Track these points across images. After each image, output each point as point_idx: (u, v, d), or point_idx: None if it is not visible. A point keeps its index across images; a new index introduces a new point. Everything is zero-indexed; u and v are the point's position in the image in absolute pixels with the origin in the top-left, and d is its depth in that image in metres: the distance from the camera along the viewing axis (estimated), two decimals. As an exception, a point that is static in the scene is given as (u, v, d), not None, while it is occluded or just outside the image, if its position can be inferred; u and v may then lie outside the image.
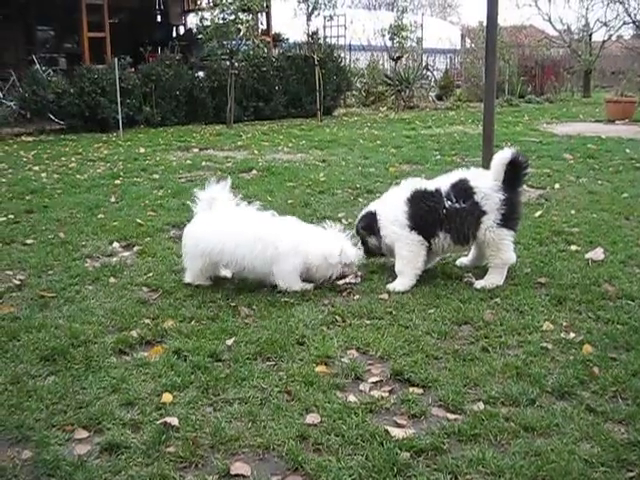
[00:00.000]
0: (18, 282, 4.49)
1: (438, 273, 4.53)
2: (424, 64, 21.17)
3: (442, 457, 2.48)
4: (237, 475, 2.40)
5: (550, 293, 4.09)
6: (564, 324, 3.64)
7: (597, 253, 4.81)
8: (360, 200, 6.58)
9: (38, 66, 13.43)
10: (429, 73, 21.39)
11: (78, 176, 8.37)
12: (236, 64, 14.26)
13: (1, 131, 12.10)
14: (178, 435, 2.63)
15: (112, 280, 4.51)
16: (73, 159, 9.85)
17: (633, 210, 6.10)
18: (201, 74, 14.86)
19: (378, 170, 8.22)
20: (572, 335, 3.49)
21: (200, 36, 14.38)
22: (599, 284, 4.22)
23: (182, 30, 19.56)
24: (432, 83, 21.28)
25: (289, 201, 6.54)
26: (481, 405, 2.83)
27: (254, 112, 15.22)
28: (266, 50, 15.78)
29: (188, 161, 9.39)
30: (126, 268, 4.75)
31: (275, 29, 17.83)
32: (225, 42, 13.90)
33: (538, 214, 5.97)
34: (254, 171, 8.45)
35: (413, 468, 2.40)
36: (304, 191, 7.03)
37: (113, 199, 7.01)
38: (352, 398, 2.89)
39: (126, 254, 5.16)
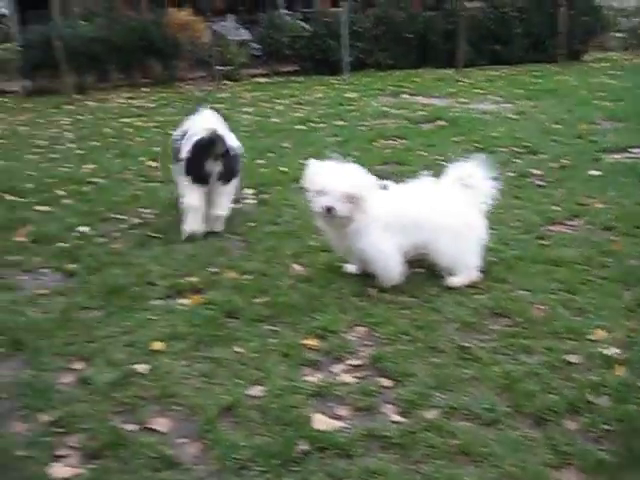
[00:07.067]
0: (142, 221, 5.03)
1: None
2: None
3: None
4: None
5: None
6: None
7: None
8: (514, 161, 6.12)
9: (281, 9, 14.19)
10: None
11: (273, 120, 8.85)
12: (472, 4, 13.62)
13: (240, 72, 13.08)
14: (141, 382, 2.87)
15: (215, 227, 4.83)
16: (286, 101, 10.39)
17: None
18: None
19: (567, 128, 7.45)
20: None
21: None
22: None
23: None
24: None
25: (437, 157, 6.29)
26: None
27: (490, 56, 14.43)
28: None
29: (384, 108, 9.37)
30: (238, 215, 4.99)
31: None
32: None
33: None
34: (439, 122, 8.20)
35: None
36: (464, 147, 6.64)
37: (286, 144, 7.32)
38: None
39: (251, 202, 5.44)
